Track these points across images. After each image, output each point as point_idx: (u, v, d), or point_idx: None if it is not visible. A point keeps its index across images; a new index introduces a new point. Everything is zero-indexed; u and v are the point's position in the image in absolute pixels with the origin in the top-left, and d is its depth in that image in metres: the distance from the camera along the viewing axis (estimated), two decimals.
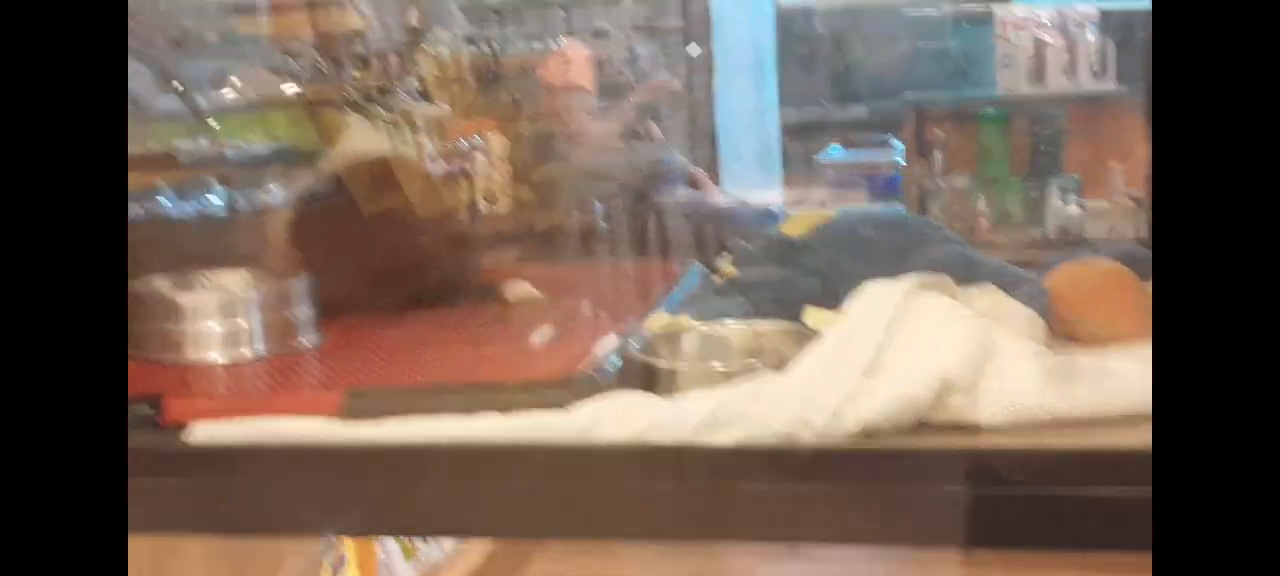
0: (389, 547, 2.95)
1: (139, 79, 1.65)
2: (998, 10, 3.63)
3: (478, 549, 3.29)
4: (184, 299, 1.21)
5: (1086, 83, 3.62)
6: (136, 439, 1.00)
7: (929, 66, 4.26)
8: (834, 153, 4.38)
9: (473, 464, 0.94)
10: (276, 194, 1.65)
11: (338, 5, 2.76)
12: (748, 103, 4.85)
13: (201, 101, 1.70)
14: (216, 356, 1.19)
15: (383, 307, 1.33)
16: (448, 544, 3.21)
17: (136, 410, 1.02)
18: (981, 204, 3.68)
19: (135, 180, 1.38)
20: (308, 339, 1.24)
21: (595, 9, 5.14)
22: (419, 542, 3.13)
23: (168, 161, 1.56)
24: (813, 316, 1.09)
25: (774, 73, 4.86)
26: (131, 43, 1.72)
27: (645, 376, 1.02)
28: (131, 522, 1.02)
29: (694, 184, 4.09)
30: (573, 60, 4.06)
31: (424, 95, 3.40)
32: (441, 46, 3.63)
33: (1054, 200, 3.58)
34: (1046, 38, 3.58)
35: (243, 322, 1.21)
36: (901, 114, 3.93)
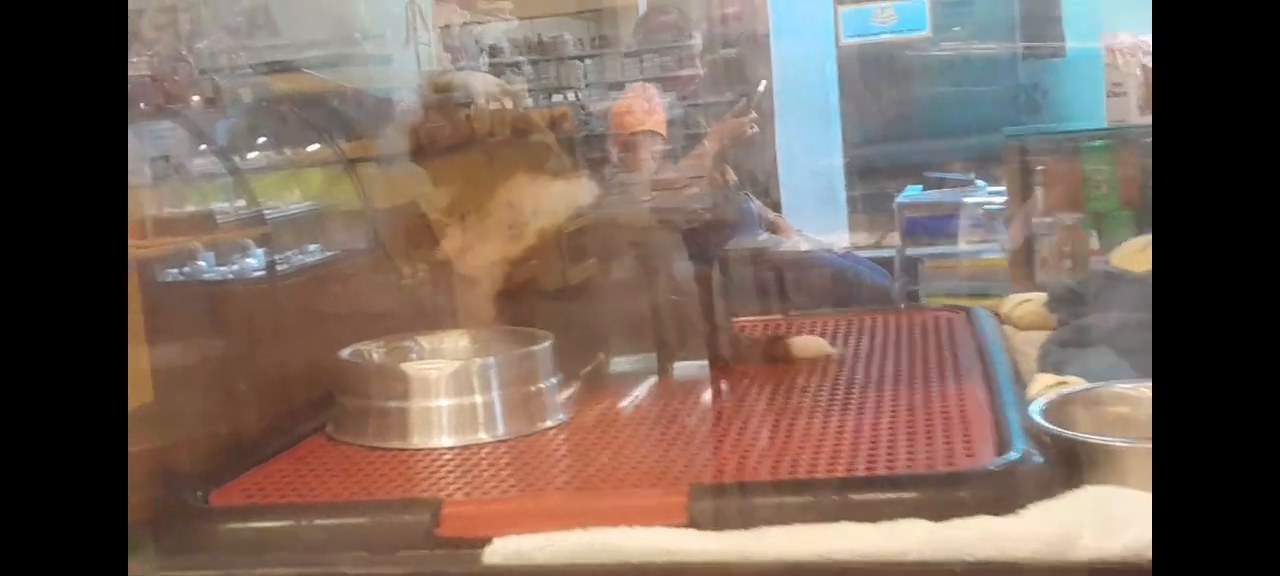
0: None
1: (174, 139, 1.53)
2: (1105, 38, 3.43)
3: None
4: (411, 370, 0.96)
5: None
6: (414, 563, 0.75)
7: (1008, 102, 4.06)
8: (912, 193, 4.18)
9: None
10: (315, 253, 1.52)
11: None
12: (810, 143, 4.67)
13: (236, 161, 1.55)
14: (447, 441, 0.94)
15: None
16: None
17: (408, 520, 0.76)
18: (1094, 239, 3.46)
19: (174, 243, 1.28)
20: (554, 417, 0.99)
21: (614, 61, 4.96)
22: None
23: (206, 223, 1.43)
24: None
25: (837, 113, 4.67)
26: (166, 104, 1.54)
27: (1064, 456, 0.78)
28: None
29: (773, 229, 3.89)
30: (643, 105, 3.87)
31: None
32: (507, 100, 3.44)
33: None
34: None
35: (479, 398, 0.95)
36: (995, 149, 3.72)
